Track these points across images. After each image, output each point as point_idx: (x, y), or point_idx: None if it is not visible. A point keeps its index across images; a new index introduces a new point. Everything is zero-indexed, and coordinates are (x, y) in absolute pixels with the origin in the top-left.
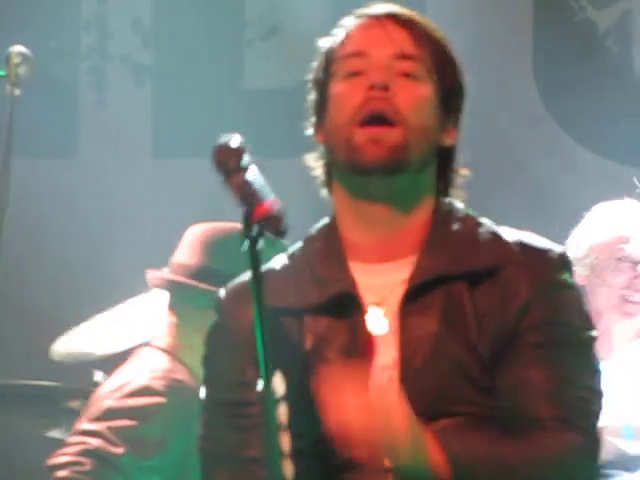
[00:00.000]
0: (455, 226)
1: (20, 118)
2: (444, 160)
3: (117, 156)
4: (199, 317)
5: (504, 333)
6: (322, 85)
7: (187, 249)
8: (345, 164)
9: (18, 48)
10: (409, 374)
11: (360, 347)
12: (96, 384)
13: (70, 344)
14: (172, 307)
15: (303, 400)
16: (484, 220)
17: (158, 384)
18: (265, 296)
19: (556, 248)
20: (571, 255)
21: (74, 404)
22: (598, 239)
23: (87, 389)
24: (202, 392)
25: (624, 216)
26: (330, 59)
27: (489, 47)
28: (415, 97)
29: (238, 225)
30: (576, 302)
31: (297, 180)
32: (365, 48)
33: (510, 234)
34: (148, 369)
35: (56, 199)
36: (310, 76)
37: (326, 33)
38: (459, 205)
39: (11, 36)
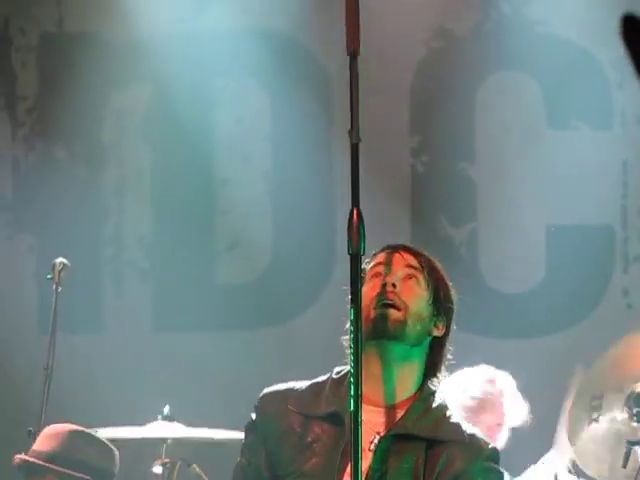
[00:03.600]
0: (433, 404)
1: (63, 306)
2: (434, 348)
3: (130, 331)
4: None
5: None
6: (360, 286)
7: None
8: (365, 332)
9: (60, 259)
10: None
11: (340, 452)
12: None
13: None
14: None
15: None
16: (452, 411)
17: None
18: (292, 402)
19: (492, 443)
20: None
21: None
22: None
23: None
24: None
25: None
26: (364, 272)
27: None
28: (414, 293)
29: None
30: None
31: (262, 346)
32: (384, 262)
33: (464, 424)
34: None
35: (89, 362)
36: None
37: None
38: (440, 394)
39: (55, 250)
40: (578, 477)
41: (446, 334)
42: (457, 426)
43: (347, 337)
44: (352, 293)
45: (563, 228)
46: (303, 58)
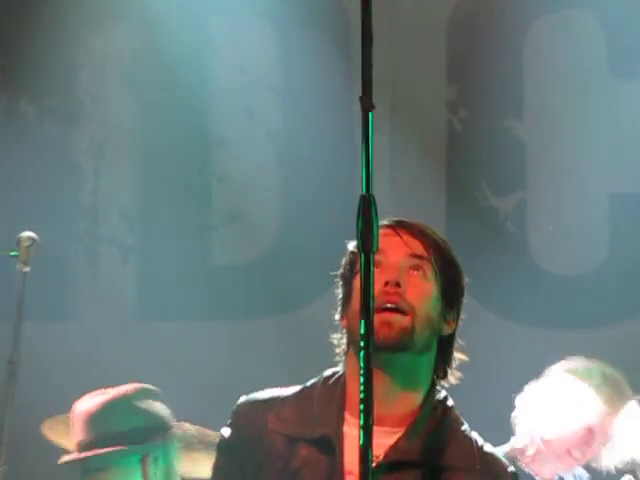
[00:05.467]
0: (441, 417)
1: (29, 289)
2: (443, 346)
3: (110, 319)
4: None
5: None
6: (348, 280)
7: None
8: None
9: (27, 233)
10: None
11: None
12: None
13: None
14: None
15: None
16: (465, 424)
17: None
18: (273, 420)
19: (510, 466)
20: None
21: None
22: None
23: None
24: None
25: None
26: (354, 259)
27: None
28: (421, 292)
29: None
30: None
31: (264, 339)
32: (383, 247)
33: (478, 441)
34: None
35: (59, 355)
36: (338, 272)
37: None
38: (450, 402)
39: (21, 222)
40: None
41: (456, 328)
42: (468, 446)
43: (337, 335)
44: (363, 301)
45: (630, 197)
46: None
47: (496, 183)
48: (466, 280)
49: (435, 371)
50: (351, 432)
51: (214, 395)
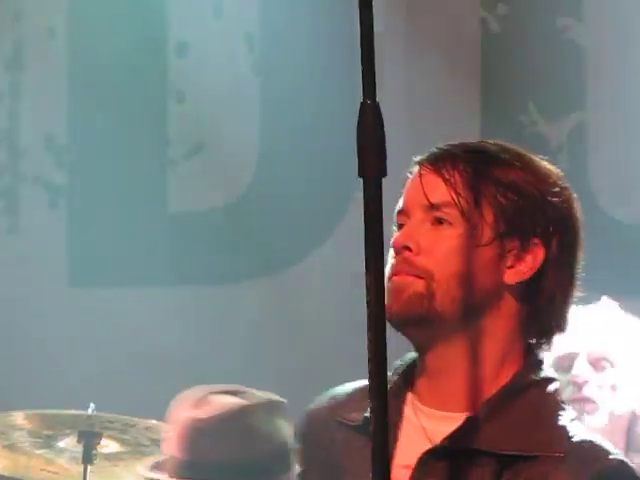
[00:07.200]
0: (529, 402)
1: None
2: (525, 300)
3: (34, 285)
4: None
5: None
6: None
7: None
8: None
9: None
10: None
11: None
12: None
13: None
14: None
15: None
16: (567, 414)
17: None
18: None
19: (619, 455)
20: None
21: None
22: None
23: None
24: None
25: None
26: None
27: None
28: (443, 248)
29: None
30: None
31: (235, 306)
32: (405, 205)
33: (577, 427)
34: None
35: None
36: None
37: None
38: (553, 386)
39: None
40: None
41: (547, 269)
42: (559, 432)
43: None
44: (366, 253)
45: None
46: None
47: (546, 102)
48: (557, 199)
49: (524, 337)
50: (408, 415)
51: (173, 382)
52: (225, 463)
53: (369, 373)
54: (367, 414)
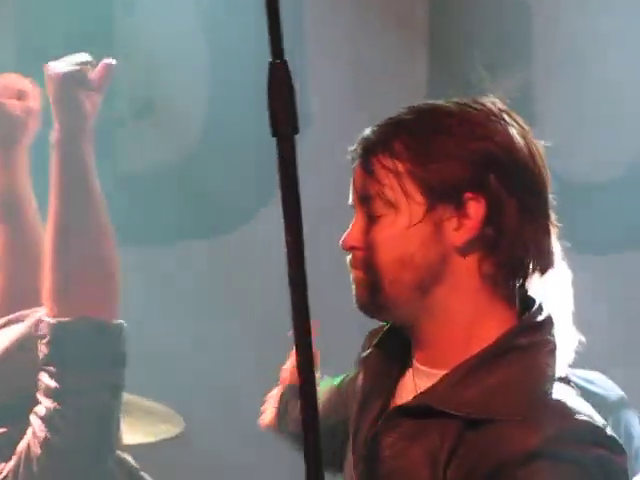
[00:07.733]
0: (510, 363)
1: None
2: (487, 250)
3: None
4: None
5: None
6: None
7: None
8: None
9: None
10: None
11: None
12: None
13: None
14: None
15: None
16: (551, 375)
17: None
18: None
19: (595, 419)
20: None
21: None
22: None
23: None
24: None
25: None
26: None
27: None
28: (378, 239)
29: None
30: None
31: (186, 267)
32: (351, 201)
33: (560, 396)
34: None
35: None
36: None
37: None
38: (547, 349)
39: None
40: None
41: (494, 212)
42: (528, 397)
43: None
44: (284, 212)
45: None
46: None
47: (493, 57)
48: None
49: (496, 288)
50: (410, 376)
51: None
52: None
53: (293, 327)
54: (363, 354)
